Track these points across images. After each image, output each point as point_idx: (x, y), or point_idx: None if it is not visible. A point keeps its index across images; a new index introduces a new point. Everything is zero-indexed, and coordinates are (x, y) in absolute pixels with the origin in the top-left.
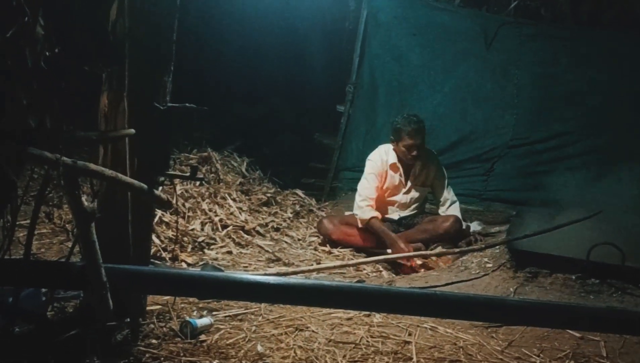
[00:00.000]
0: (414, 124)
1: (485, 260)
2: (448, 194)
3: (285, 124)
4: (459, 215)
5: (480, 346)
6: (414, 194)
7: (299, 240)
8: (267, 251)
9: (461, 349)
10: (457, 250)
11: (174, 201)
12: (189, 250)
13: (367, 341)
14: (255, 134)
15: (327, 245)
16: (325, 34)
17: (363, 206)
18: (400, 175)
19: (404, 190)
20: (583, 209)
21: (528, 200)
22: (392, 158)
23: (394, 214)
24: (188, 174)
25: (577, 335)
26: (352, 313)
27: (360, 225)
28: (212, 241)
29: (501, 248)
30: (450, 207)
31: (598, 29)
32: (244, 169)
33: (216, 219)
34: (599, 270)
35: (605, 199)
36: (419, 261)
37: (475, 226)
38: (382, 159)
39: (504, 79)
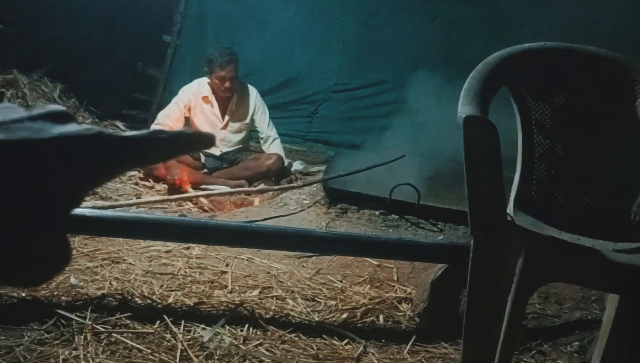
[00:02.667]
0: (226, 56)
1: (303, 197)
2: (270, 131)
3: (103, 49)
4: (281, 152)
5: (292, 274)
6: (232, 130)
7: None
8: None
9: (274, 277)
10: (277, 187)
11: None
12: None
13: (185, 272)
14: (71, 57)
15: (150, 180)
16: None
17: (151, 127)
18: (215, 110)
19: (220, 125)
20: (390, 153)
21: (347, 143)
22: (206, 91)
23: (216, 150)
24: None
25: (375, 262)
26: (171, 246)
27: None
28: None
29: (318, 186)
30: (272, 144)
31: None
32: (56, 96)
33: None
34: (398, 207)
35: (412, 144)
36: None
37: (297, 165)
38: (193, 91)
39: (330, 25)
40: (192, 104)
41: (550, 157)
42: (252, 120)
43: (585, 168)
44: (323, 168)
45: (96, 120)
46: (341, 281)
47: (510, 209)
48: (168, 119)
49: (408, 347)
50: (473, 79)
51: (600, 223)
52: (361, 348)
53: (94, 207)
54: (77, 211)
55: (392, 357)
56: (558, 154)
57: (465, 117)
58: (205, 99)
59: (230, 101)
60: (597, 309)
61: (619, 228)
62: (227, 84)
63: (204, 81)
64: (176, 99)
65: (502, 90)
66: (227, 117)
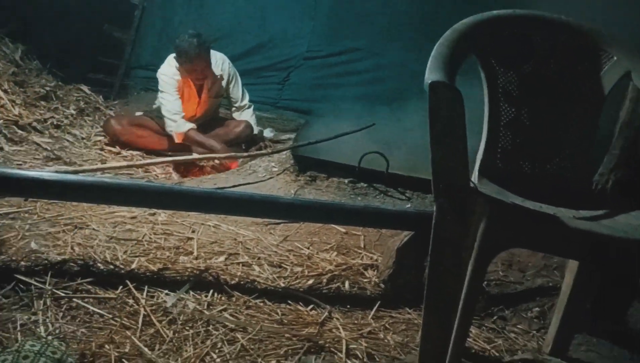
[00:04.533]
0: (195, 48)
1: (272, 164)
2: (242, 100)
3: (68, 10)
4: (253, 120)
5: (259, 241)
6: (207, 106)
7: (82, 138)
8: (45, 148)
9: (240, 244)
10: (245, 154)
11: None
12: None
13: (150, 238)
14: (34, 18)
15: (116, 146)
16: None
17: (177, 120)
18: (192, 88)
19: (197, 103)
20: (360, 122)
21: (318, 110)
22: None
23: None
24: None
25: (343, 230)
26: (136, 212)
27: (178, 140)
28: None
29: (287, 153)
30: (244, 112)
31: None
32: (17, 58)
33: None
34: (367, 176)
35: (382, 113)
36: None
37: (267, 133)
38: (175, 73)
39: None
40: (179, 86)
41: (515, 125)
42: (226, 90)
43: (550, 137)
44: (294, 135)
45: (60, 83)
46: (308, 248)
47: (474, 177)
48: (179, 106)
49: (372, 312)
50: (441, 46)
51: (563, 192)
52: (326, 313)
53: (56, 172)
54: (37, 174)
55: (356, 322)
56: (524, 123)
57: (431, 83)
58: (186, 81)
59: (205, 82)
60: (558, 276)
61: (581, 197)
62: (199, 76)
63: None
64: (169, 84)
65: (470, 58)
66: (203, 94)
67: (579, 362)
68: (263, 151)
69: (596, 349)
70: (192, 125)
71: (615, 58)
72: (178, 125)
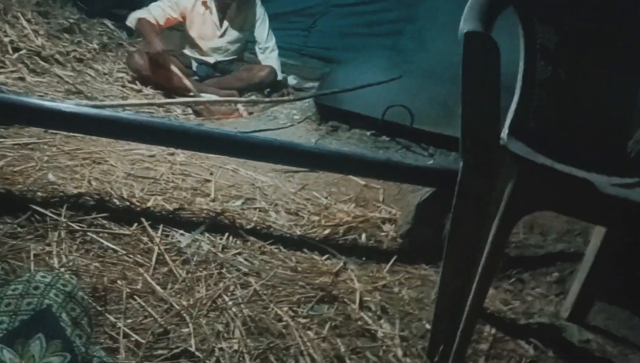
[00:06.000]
0: None
1: (294, 112)
2: (269, 42)
3: None
4: (278, 64)
5: (277, 188)
6: (230, 38)
7: (104, 74)
8: (67, 82)
9: (258, 189)
10: (268, 99)
11: None
12: None
13: (168, 177)
14: None
15: (137, 83)
16: None
17: (138, 11)
18: (214, 16)
19: (219, 33)
20: (387, 73)
21: (344, 59)
22: None
23: (210, 58)
24: None
25: (362, 182)
26: (155, 150)
27: (129, 23)
28: (0, 64)
29: (309, 101)
30: (270, 55)
31: None
32: None
33: (5, 40)
34: (390, 129)
35: (410, 65)
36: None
37: (291, 80)
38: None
39: None
40: (187, 14)
41: (551, 84)
42: (252, 30)
43: (587, 99)
44: (317, 84)
45: (84, 16)
46: (326, 198)
47: (504, 135)
48: (162, 17)
49: (388, 266)
50: None
51: (596, 157)
52: (341, 264)
53: (77, 105)
54: (59, 105)
55: (371, 274)
56: (560, 82)
57: (466, 33)
58: (204, 4)
59: (229, 8)
60: (581, 242)
61: (614, 163)
62: None
63: None
64: (171, 3)
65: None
66: (225, 24)
67: (596, 329)
68: (285, 98)
69: (615, 317)
70: (146, 16)
71: None
72: (136, 12)
